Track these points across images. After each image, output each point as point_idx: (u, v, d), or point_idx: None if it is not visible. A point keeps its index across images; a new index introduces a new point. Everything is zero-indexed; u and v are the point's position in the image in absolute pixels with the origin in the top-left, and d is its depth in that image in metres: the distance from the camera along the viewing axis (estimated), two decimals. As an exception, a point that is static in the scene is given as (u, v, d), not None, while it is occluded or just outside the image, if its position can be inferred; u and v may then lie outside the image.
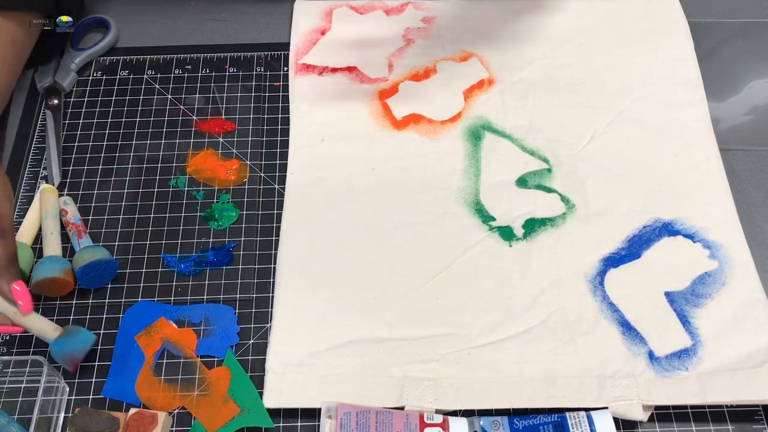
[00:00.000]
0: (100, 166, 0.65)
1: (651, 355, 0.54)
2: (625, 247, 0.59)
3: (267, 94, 0.69)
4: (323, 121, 0.67)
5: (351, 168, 0.64)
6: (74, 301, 0.58)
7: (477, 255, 0.59)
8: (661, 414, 0.53)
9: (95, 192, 0.64)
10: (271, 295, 0.58)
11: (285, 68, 0.71)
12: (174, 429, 0.53)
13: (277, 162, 0.65)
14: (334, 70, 0.70)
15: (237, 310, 0.58)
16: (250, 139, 0.67)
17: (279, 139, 0.67)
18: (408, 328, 0.56)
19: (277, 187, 0.64)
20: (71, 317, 0.57)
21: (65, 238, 0.60)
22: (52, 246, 0.59)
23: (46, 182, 0.64)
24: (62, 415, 0.53)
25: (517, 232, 0.60)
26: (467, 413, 0.53)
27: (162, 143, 0.66)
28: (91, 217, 0.62)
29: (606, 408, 0.52)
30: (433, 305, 0.57)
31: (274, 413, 0.53)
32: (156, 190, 0.64)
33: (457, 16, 0.73)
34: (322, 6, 0.74)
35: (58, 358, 0.53)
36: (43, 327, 0.53)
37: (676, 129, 0.66)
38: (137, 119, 0.68)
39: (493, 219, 0.61)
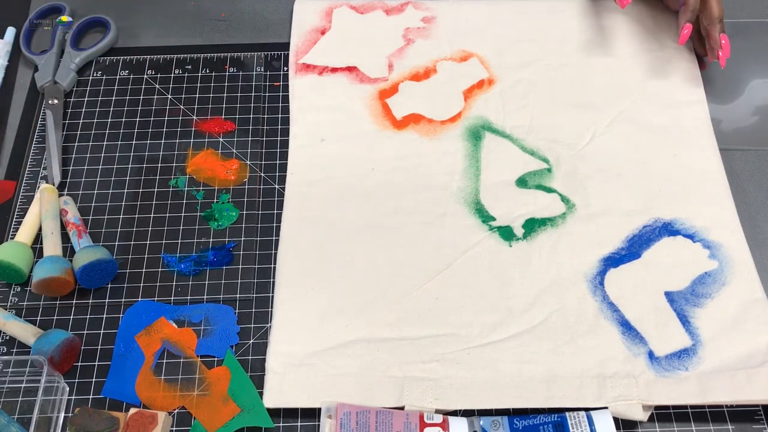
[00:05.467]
0: (100, 166, 0.65)
1: (651, 355, 0.54)
2: (625, 247, 0.59)
3: (267, 94, 0.69)
4: (323, 121, 0.67)
5: (351, 168, 0.64)
6: (74, 301, 0.58)
7: (477, 255, 0.59)
8: (661, 414, 0.53)
9: (95, 192, 0.64)
10: (271, 295, 0.58)
11: (285, 68, 0.71)
12: (174, 429, 0.53)
13: (277, 162, 0.65)
14: (334, 70, 0.70)
15: (237, 310, 0.58)
16: (250, 139, 0.67)
17: (279, 139, 0.67)
18: (408, 328, 0.56)
19: (277, 187, 0.64)
20: (71, 317, 0.57)
21: (65, 238, 0.60)
22: (52, 246, 0.59)
23: (46, 182, 0.64)
24: (62, 415, 0.53)
25: (517, 232, 0.60)
26: (467, 413, 0.53)
27: (162, 143, 0.66)
28: (91, 217, 0.62)
29: (606, 408, 0.52)
30: (433, 305, 0.57)
31: (274, 413, 0.53)
32: (156, 190, 0.64)
33: (457, 16, 0.73)
34: (322, 6, 0.74)
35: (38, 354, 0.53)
36: (24, 333, 0.55)
37: (676, 129, 0.66)
38: (137, 119, 0.68)
39: (493, 219, 0.61)
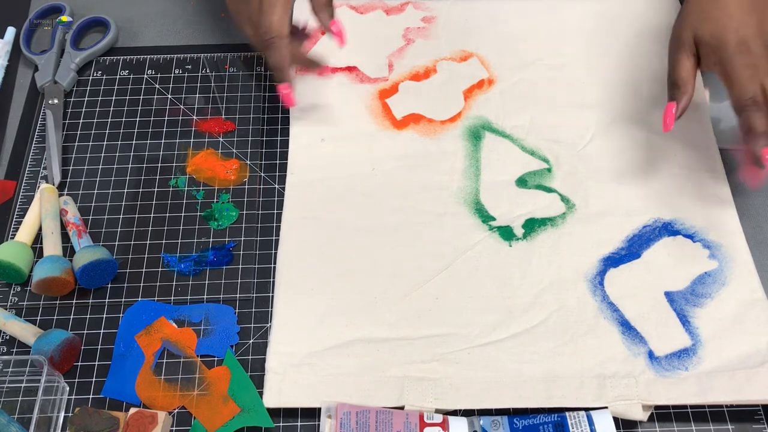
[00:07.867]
0: (100, 166, 0.65)
1: (651, 355, 0.54)
2: (625, 247, 0.59)
3: (267, 94, 0.69)
4: (323, 121, 0.67)
5: (351, 168, 0.64)
6: (74, 301, 0.58)
7: (477, 255, 0.59)
8: (661, 414, 0.53)
9: (95, 192, 0.64)
10: (271, 294, 0.58)
11: (285, 68, 0.71)
12: (174, 429, 0.53)
13: (277, 162, 0.65)
14: (334, 70, 0.70)
15: (237, 310, 0.58)
16: (250, 139, 0.67)
17: (279, 139, 0.67)
18: (408, 328, 0.56)
19: (277, 187, 0.64)
20: (71, 317, 0.57)
21: (65, 238, 0.60)
22: (52, 246, 0.59)
23: (46, 182, 0.64)
24: (62, 414, 0.53)
25: (517, 232, 0.60)
26: (467, 413, 0.53)
27: (162, 143, 0.66)
28: (91, 217, 0.62)
29: (606, 408, 0.52)
30: (433, 305, 0.57)
31: (274, 413, 0.53)
32: (156, 190, 0.64)
33: (457, 16, 0.73)
34: (322, 6, 0.74)
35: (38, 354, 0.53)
36: (24, 333, 0.55)
37: (677, 129, 0.65)
38: (137, 119, 0.68)
39: (493, 219, 0.61)
